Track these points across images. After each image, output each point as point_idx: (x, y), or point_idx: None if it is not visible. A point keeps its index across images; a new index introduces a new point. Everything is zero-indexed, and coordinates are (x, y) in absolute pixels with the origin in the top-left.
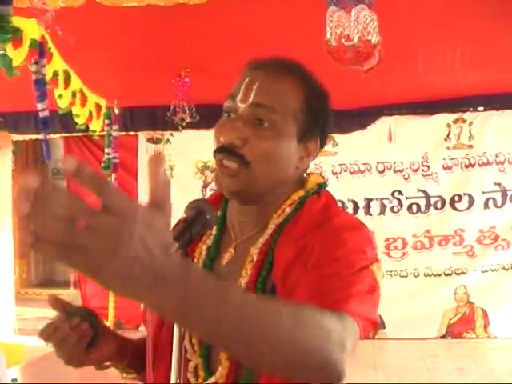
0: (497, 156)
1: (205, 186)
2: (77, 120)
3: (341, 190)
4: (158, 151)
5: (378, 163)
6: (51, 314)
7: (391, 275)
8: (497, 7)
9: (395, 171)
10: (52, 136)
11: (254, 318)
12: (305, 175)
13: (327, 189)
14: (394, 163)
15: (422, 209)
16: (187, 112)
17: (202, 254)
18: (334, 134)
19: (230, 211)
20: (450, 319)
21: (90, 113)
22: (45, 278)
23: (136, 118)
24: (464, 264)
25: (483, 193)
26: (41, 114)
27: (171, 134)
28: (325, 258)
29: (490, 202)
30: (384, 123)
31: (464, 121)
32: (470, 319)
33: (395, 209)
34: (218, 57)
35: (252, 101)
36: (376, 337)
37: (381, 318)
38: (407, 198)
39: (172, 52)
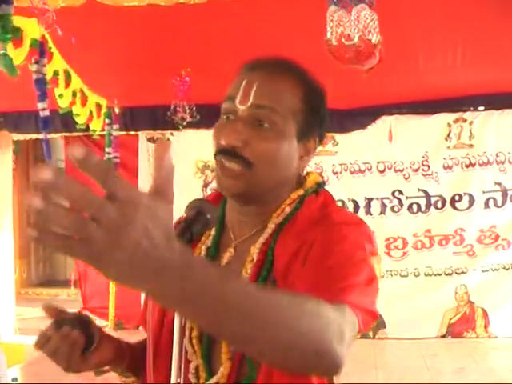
0: (497, 156)
1: (205, 186)
2: (77, 119)
3: (341, 189)
4: (166, 138)
5: (378, 163)
6: None
7: (391, 275)
8: (497, 7)
9: (395, 171)
10: (53, 135)
11: (255, 306)
12: (303, 174)
13: (326, 188)
14: (395, 163)
15: (423, 208)
16: (187, 111)
17: (201, 255)
18: (334, 134)
19: (228, 211)
20: (451, 319)
21: (91, 112)
22: (45, 277)
23: (136, 118)
24: (464, 264)
25: (483, 192)
26: (41, 114)
27: (171, 134)
28: (324, 252)
29: (491, 202)
30: (384, 123)
31: (464, 120)
32: (470, 319)
33: (395, 208)
34: (219, 56)
35: (251, 102)
36: (376, 336)
37: (381, 317)
38: (407, 197)
39: (172, 51)
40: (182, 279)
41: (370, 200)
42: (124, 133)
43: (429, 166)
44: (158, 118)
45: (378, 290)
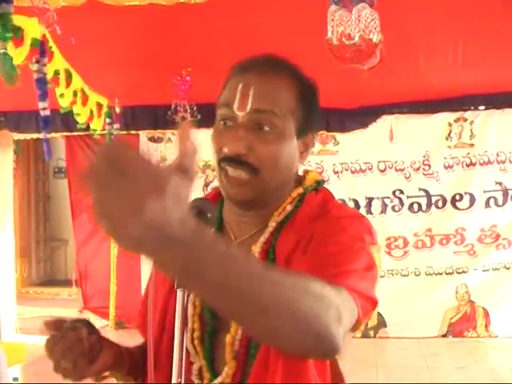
0: (498, 155)
1: (206, 185)
2: (78, 119)
3: (342, 189)
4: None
5: (379, 162)
6: (52, 313)
7: (392, 274)
8: (498, 6)
9: (396, 170)
10: (53, 135)
11: (259, 281)
12: (302, 173)
13: (327, 187)
14: (395, 162)
15: (423, 208)
16: (188, 111)
17: None
18: (335, 133)
19: (226, 213)
20: (451, 318)
21: (91, 112)
22: (46, 277)
23: (137, 117)
24: (465, 263)
25: (484, 192)
26: (42, 113)
27: (172, 133)
28: (323, 241)
29: (491, 201)
30: (385, 122)
31: (465, 120)
32: (471, 318)
33: (396, 208)
34: (219, 55)
35: (251, 107)
36: (377, 336)
37: (382, 316)
38: (408, 196)
39: (173, 51)
40: (189, 256)
41: (370, 199)
42: (125, 132)
43: (429, 166)
44: (159, 118)
45: (377, 278)
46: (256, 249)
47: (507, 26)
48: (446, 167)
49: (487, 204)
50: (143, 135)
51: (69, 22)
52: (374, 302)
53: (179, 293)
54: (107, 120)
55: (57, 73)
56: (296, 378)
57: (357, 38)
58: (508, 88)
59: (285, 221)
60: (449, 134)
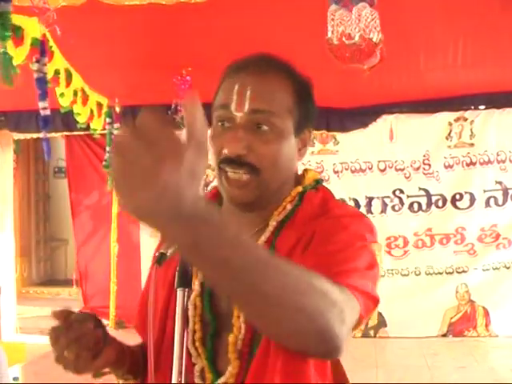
0: (498, 154)
1: (206, 185)
2: (78, 118)
3: (342, 188)
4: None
5: (379, 162)
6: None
7: (392, 274)
8: (498, 6)
9: (396, 170)
10: (53, 135)
11: (265, 267)
12: (301, 172)
13: (327, 186)
14: (396, 162)
15: (424, 207)
16: None
17: None
18: (335, 133)
19: (225, 213)
20: (451, 318)
21: (92, 111)
22: (46, 276)
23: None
24: (465, 262)
25: (484, 191)
26: (42, 113)
27: None
28: (324, 240)
29: (491, 201)
30: (385, 122)
31: (465, 119)
32: (471, 318)
33: (396, 207)
34: (220, 55)
35: (248, 108)
36: (377, 335)
37: (382, 316)
38: (408, 196)
39: (173, 50)
40: (201, 233)
41: (370, 199)
42: None
43: (430, 165)
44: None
45: (379, 276)
46: None
47: (507, 26)
48: (446, 167)
49: (487, 203)
50: None
51: (69, 22)
52: (375, 301)
53: (179, 292)
54: (107, 120)
55: (57, 72)
56: (296, 377)
57: (357, 38)
58: (508, 87)
59: (285, 220)
60: (449, 134)
